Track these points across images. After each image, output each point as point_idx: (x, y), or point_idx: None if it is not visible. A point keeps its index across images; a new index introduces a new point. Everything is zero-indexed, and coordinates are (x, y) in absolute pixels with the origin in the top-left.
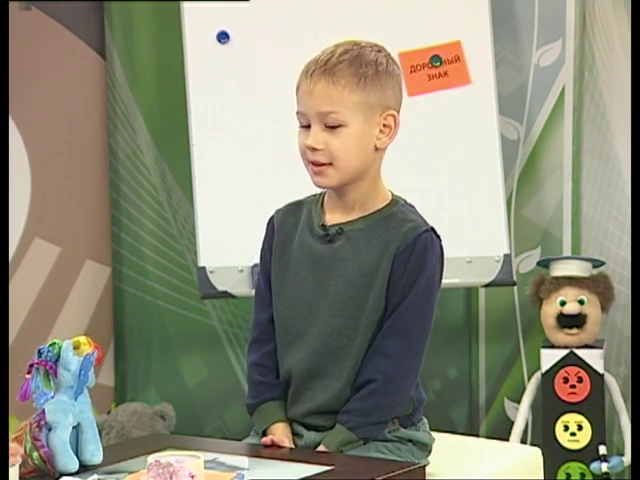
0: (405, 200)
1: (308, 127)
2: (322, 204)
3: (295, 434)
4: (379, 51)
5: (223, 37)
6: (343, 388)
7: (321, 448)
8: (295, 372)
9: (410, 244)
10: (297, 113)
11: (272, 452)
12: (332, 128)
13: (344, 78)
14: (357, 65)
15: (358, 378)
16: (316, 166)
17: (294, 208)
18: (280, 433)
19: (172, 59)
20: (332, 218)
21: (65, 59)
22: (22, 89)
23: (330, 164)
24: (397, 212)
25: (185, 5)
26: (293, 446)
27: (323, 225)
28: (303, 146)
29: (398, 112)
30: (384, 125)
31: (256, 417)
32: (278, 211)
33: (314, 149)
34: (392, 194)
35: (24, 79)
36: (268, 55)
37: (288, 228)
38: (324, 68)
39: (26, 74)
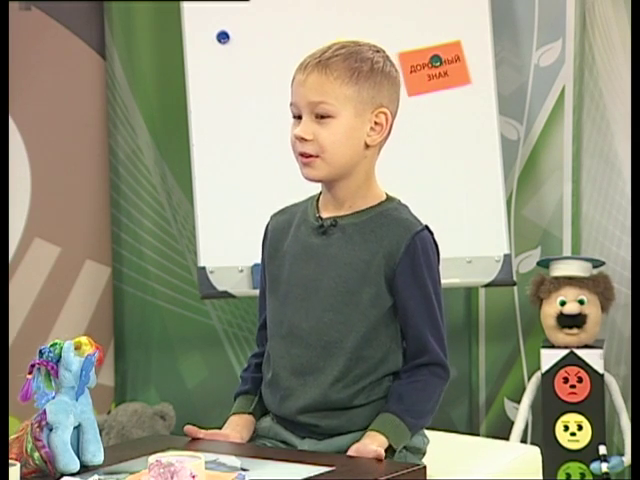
0: (400, 201)
1: (300, 119)
2: (317, 201)
3: (285, 442)
4: (377, 51)
5: (223, 37)
6: (334, 383)
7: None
8: (287, 367)
9: (410, 245)
10: (290, 105)
11: (273, 453)
12: (321, 119)
13: (337, 71)
14: (352, 60)
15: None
16: (305, 157)
17: (288, 209)
18: (229, 424)
19: (172, 59)
20: (326, 213)
21: (65, 59)
22: (22, 89)
23: (318, 156)
24: (392, 209)
25: (185, 5)
26: (238, 439)
27: (319, 217)
28: (293, 137)
29: (392, 113)
30: (375, 122)
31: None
32: (273, 215)
33: (303, 139)
34: (387, 194)
35: (24, 79)
36: (268, 55)
37: (281, 226)
38: (318, 60)
39: (26, 74)
